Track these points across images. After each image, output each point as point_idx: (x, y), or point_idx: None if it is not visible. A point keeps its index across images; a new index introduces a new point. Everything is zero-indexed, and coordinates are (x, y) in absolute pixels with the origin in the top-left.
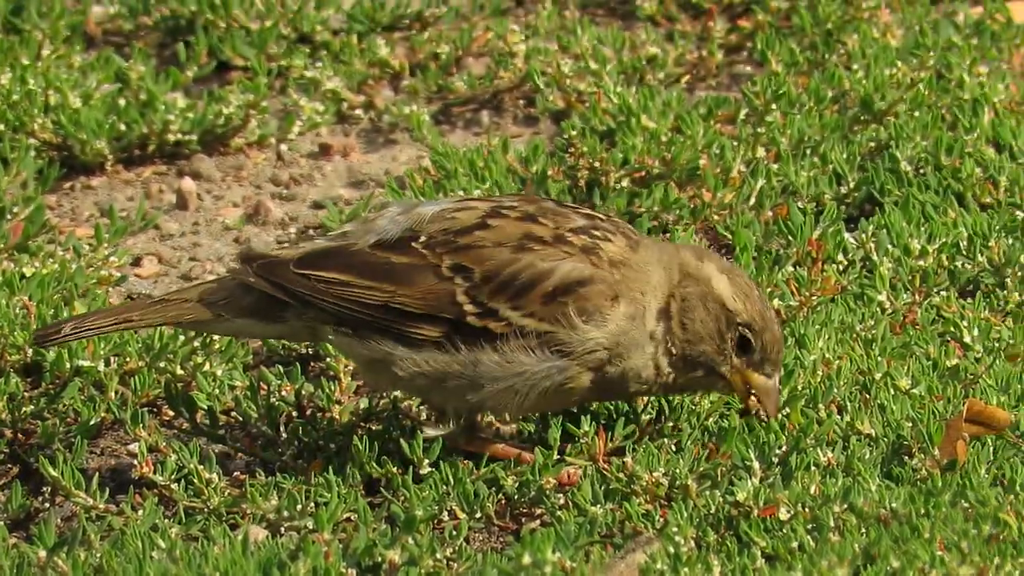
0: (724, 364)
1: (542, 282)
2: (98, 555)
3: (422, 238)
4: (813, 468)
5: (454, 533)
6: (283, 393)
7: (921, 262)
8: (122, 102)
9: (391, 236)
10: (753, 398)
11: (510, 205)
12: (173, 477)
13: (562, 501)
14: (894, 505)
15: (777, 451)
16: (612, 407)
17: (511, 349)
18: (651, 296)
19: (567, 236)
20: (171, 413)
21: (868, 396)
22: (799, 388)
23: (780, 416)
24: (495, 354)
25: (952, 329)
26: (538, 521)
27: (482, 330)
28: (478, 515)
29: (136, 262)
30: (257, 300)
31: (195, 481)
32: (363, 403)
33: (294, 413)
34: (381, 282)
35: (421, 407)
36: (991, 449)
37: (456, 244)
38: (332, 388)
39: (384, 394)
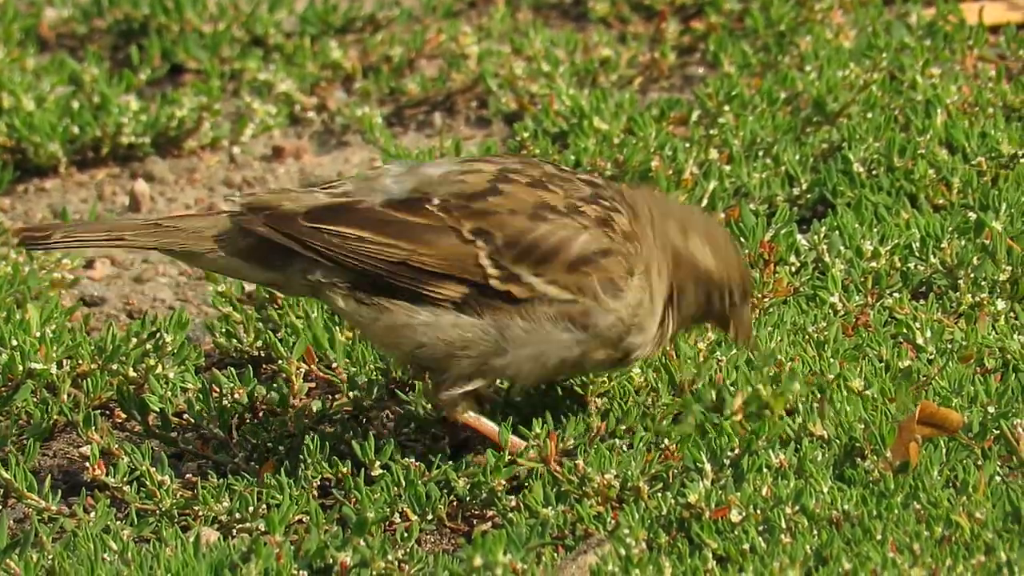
0: (711, 316)
1: (565, 250)
2: (50, 557)
3: (436, 200)
4: (765, 470)
5: (406, 535)
6: (235, 395)
7: (874, 263)
8: (76, 105)
9: (399, 195)
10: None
11: (514, 168)
12: (125, 479)
13: (513, 503)
14: (846, 507)
15: (729, 453)
16: (565, 407)
17: (537, 317)
18: (655, 273)
19: (580, 207)
20: (123, 415)
21: (821, 398)
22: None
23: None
24: (522, 320)
25: (905, 331)
26: (490, 523)
27: (504, 294)
28: (430, 517)
29: (89, 264)
30: (256, 244)
31: (147, 483)
32: (315, 405)
33: (246, 415)
34: (398, 240)
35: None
36: (944, 451)
37: (472, 209)
38: (285, 390)
39: (336, 395)
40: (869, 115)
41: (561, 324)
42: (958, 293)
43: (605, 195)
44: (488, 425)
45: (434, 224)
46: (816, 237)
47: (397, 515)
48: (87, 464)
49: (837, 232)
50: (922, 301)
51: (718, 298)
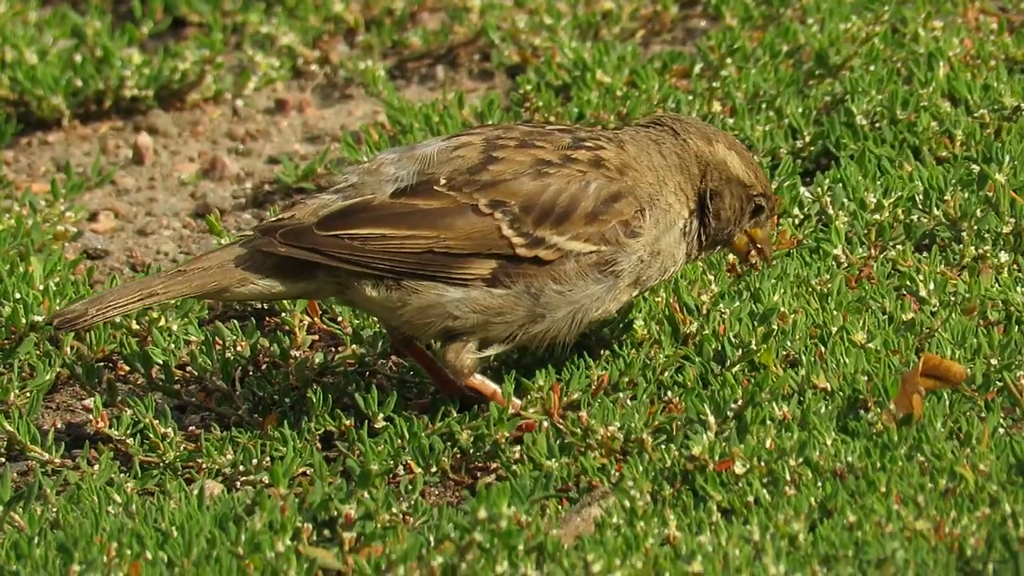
0: (738, 232)
1: (581, 203)
2: (54, 510)
3: (442, 180)
4: (768, 422)
5: (410, 487)
6: (238, 348)
7: (877, 216)
8: (78, 58)
9: (407, 183)
10: (753, 251)
11: (496, 135)
12: (129, 432)
13: (517, 455)
14: (850, 459)
15: (732, 405)
16: (568, 360)
17: (568, 275)
18: (669, 192)
19: (570, 155)
20: (127, 368)
21: (824, 350)
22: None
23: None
24: (554, 283)
25: (908, 283)
26: (494, 475)
27: (532, 259)
28: (434, 469)
29: (92, 217)
30: (280, 262)
31: (151, 436)
32: (318, 358)
33: (249, 368)
34: (418, 229)
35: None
36: (947, 403)
37: (479, 181)
38: (287, 343)
39: (339, 348)
40: (872, 68)
41: (591, 276)
42: (961, 245)
43: (583, 136)
44: (492, 386)
45: (448, 205)
46: (819, 189)
47: (401, 467)
48: (91, 417)
49: (840, 184)
50: (925, 253)
51: (749, 204)
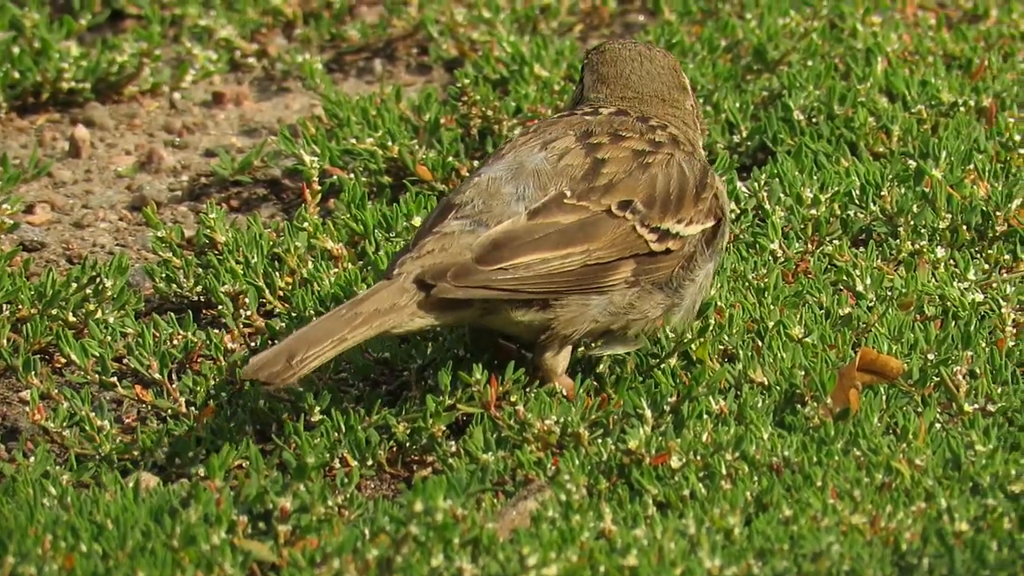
0: None
1: (686, 186)
2: None
3: (568, 193)
4: (705, 416)
5: (346, 480)
6: (175, 341)
7: (814, 211)
8: (16, 50)
9: (537, 201)
10: None
11: (582, 132)
12: (65, 424)
13: (454, 449)
14: (786, 453)
15: (669, 399)
16: (505, 352)
17: (695, 261)
18: (702, 150)
19: (654, 138)
20: (63, 360)
21: (760, 344)
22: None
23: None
24: (683, 270)
25: (845, 278)
26: (430, 469)
27: (664, 252)
28: (370, 462)
29: (29, 209)
30: (438, 298)
31: (87, 428)
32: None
33: (186, 361)
34: (570, 246)
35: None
36: (883, 398)
37: (601, 186)
38: (224, 335)
39: (276, 340)
40: (809, 63)
41: (705, 255)
42: (898, 240)
43: (642, 117)
44: (572, 383)
45: (587, 217)
46: (756, 184)
47: (337, 460)
48: (26, 409)
49: (777, 179)
50: (862, 248)
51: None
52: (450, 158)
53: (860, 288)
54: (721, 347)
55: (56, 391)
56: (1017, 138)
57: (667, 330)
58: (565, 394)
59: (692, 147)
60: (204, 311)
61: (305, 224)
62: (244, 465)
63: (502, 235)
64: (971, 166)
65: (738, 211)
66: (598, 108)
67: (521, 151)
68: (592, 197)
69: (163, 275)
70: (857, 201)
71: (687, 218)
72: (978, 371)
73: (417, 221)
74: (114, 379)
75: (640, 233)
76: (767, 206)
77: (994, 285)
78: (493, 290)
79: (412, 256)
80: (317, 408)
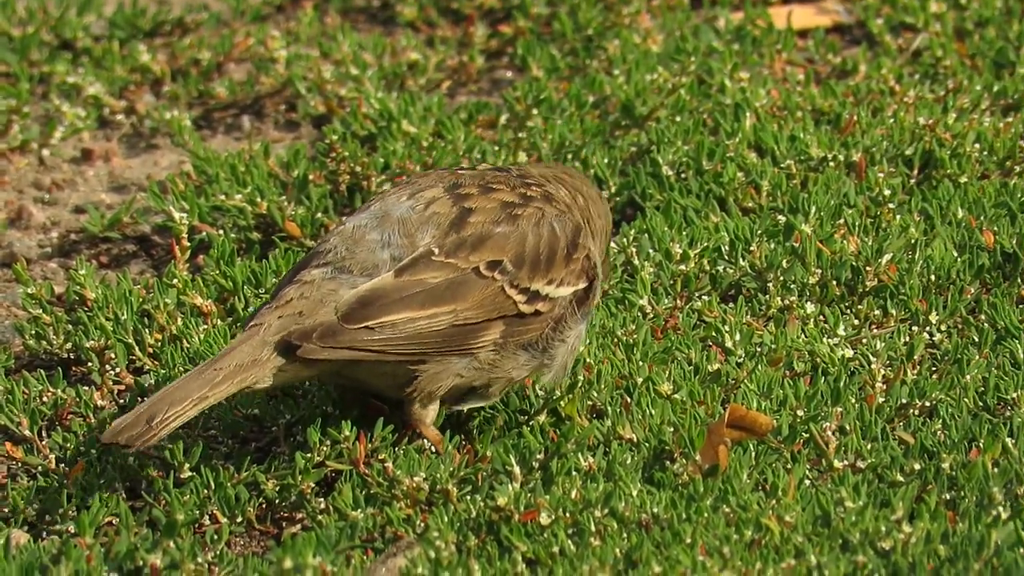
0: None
1: (557, 246)
2: None
3: (435, 250)
4: (574, 473)
5: (215, 537)
6: (44, 397)
7: (683, 266)
8: None
9: (403, 254)
10: None
11: (456, 183)
12: None
13: (323, 505)
14: (656, 510)
15: (538, 456)
16: (375, 409)
17: (565, 322)
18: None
19: (525, 192)
20: None
21: (629, 401)
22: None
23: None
24: (554, 331)
25: (714, 334)
26: (299, 525)
27: (533, 315)
28: (239, 519)
29: None
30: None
31: None
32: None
33: (56, 417)
34: (438, 305)
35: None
36: (753, 454)
37: (466, 239)
38: (94, 392)
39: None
40: (678, 119)
41: (577, 315)
42: (767, 296)
43: (518, 173)
44: (439, 435)
45: (455, 276)
46: (625, 240)
47: (207, 517)
48: None
49: (646, 235)
50: (731, 304)
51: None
52: (319, 214)
53: (729, 344)
54: (590, 403)
55: None
56: (887, 192)
57: (536, 388)
58: (433, 447)
59: (567, 209)
60: (74, 368)
61: (175, 280)
62: (114, 522)
63: (369, 292)
64: (841, 221)
65: None
66: (477, 166)
67: (388, 200)
68: (460, 254)
69: (33, 332)
70: (726, 256)
71: (558, 279)
72: (848, 427)
73: None
74: None
75: (509, 294)
76: (636, 262)
77: (864, 341)
78: (359, 351)
79: (272, 307)
80: (187, 465)
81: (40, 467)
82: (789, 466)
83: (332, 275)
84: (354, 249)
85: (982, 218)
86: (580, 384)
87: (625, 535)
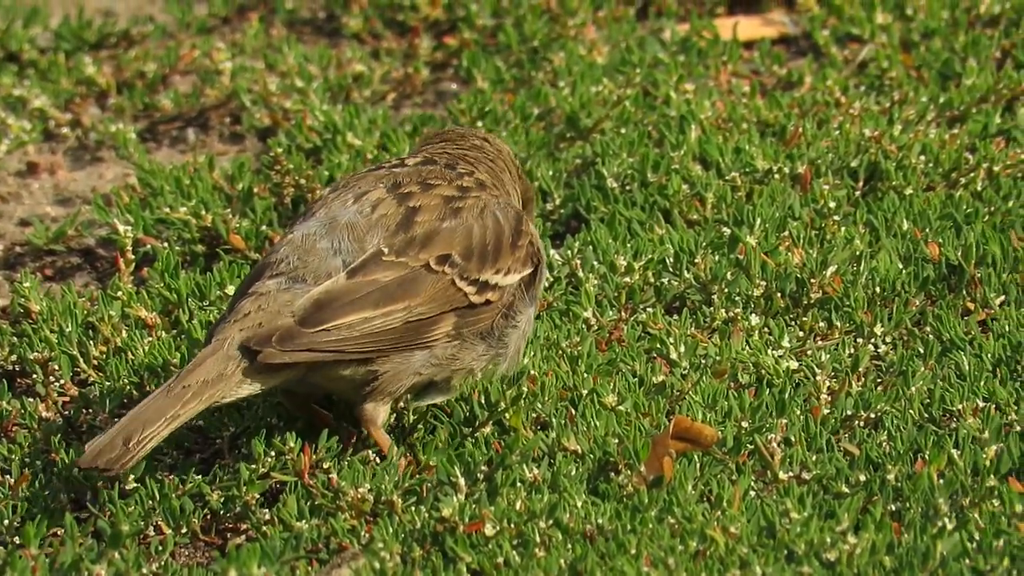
0: None
1: (502, 235)
2: None
3: (385, 250)
4: (519, 484)
5: (160, 548)
6: None
7: (627, 279)
8: None
9: (352, 259)
10: None
11: (396, 183)
12: None
13: (268, 517)
14: (600, 521)
15: (483, 467)
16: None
17: (515, 308)
18: (517, 199)
19: (460, 183)
20: None
21: (574, 412)
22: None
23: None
24: (505, 320)
25: (658, 346)
26: (244, 536)
27: (484, 304)
28: (184, 530)
29: None
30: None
31: None
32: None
33: (0, 429)
34: (391, 303)
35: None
36: (698, 465)
37: (414, 237)
38: (39, 404)
39: (90, 409)
40: (623, 131)
41: (525, 300)
42: (712, 308)
43: (445, 164)
44: (389, 440)
45: (406, 273)
46: (570, 252)
47: (152, 528)
48: None
49: (591, 247)
50: (676, 316)
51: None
52: (264, 227)
53: (674, 356)
54: (534, 415)
55: None
56: (832, 205)
57: (480, 401)
58: (380, 451)
59: (500, 191)
60: (19, 380)
61: (119, 293)
62: (59, 533)
63: (323, 295)
64: (786, 233)
65: (551, 279)
66: (404, 160)
67: (333, 206)
68: (410, 252)
69: None
70: (671, 269)
71: (505, 267)
72: (793, 439)
73: (231, 290)
74: None
75: (459, 287)
76: (580, 274)
77: (809, 352)
78: (318, 352)
79: (230, 320)
80: (131, 476)
81: None
82: (734, 477)
83: (287, 285)
84: (306, 258)
85: (927, 230)
86: (525, 395)
87: (570, 546)
